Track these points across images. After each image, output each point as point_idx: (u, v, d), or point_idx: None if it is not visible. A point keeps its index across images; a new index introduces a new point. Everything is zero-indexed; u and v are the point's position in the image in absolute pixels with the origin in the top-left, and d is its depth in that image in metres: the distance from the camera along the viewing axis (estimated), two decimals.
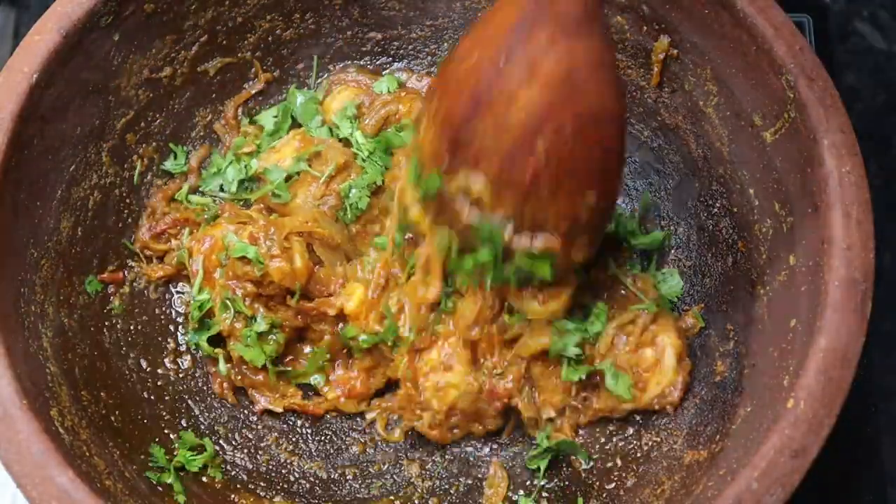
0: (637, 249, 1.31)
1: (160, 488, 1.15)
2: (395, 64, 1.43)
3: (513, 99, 0.95)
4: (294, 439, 1.29)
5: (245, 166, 1.32)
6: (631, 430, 1.24)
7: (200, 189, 1.35)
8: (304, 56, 1.39)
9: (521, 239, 1.05)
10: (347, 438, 1.30)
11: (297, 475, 1.26)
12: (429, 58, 1.42)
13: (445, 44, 1.41)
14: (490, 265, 1.07)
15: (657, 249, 1.31)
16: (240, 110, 1.38)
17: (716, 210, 1.26)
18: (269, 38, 1.36)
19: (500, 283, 1.11)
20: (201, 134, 1.37)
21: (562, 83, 0.94)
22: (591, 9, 0.93)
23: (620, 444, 1.24)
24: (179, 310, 1.32)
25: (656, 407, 1.21)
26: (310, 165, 1.29)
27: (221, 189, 1.34)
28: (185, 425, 1.25)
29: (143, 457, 1.17)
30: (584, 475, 1.23)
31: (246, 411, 1.29)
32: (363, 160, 1.30)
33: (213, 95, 1.36)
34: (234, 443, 1.27)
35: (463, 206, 1.05)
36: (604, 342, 1.20)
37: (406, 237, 1.22)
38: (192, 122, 1.36)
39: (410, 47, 1.42)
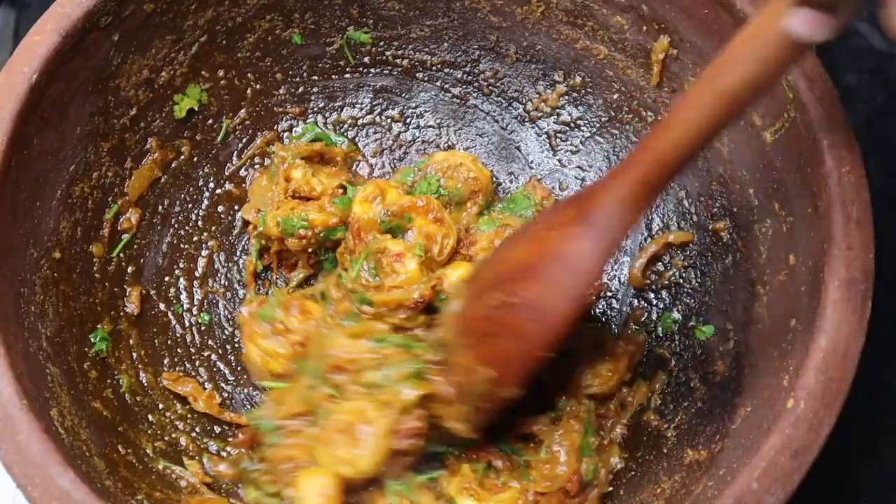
0: None
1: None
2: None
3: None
4: None
5: None
6: (631, 430, 1.25)
7: None
8: (304, 56, 1.40)
9: None
10: None
11: None
12: (428, 58, 1.42)
13: (445, 43, 1.41)
14: None
15: None
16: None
17: (716, 210, 1.26)
18: (269, 38, 1.36)
19: None
20: None
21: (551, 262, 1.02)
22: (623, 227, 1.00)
23: (620, 444, 1.24)
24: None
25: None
26: None
27: None
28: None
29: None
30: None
31: None
32: None
33: None
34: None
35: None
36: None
37: None
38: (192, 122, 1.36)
39: (410, 47, 1.42)
